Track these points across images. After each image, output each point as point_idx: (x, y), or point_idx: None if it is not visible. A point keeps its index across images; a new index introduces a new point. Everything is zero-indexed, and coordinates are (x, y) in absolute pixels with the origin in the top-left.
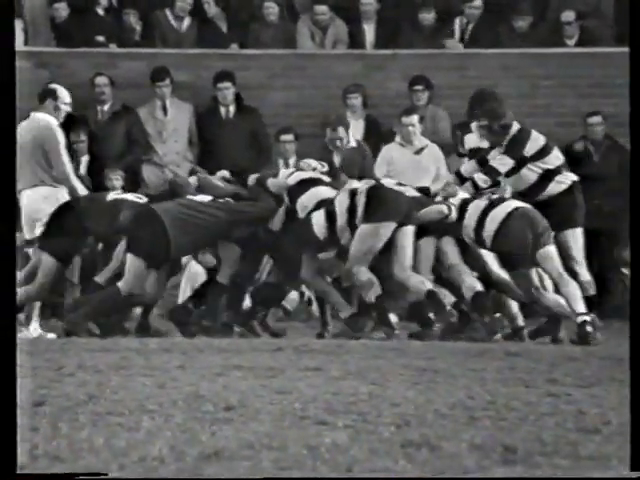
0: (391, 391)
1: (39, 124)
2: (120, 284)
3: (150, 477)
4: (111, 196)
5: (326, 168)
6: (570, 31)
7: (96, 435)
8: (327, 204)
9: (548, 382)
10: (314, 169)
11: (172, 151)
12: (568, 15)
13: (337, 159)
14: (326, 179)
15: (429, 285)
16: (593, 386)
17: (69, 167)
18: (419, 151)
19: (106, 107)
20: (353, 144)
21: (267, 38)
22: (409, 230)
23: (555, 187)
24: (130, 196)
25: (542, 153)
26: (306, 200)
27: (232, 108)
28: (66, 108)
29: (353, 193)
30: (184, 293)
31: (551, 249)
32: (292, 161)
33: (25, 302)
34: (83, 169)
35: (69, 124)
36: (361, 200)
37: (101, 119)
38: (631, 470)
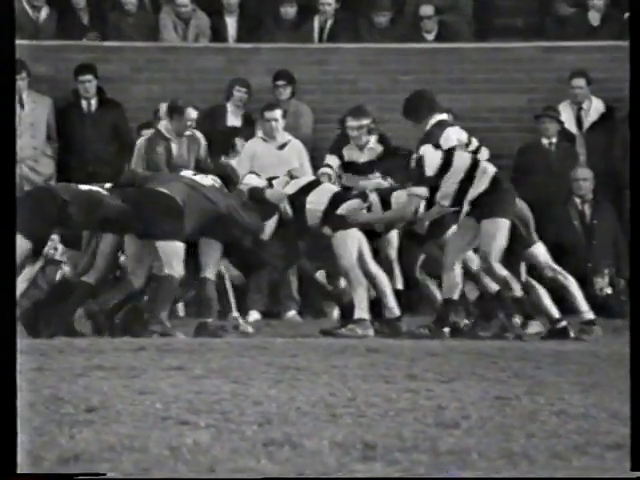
0: (254, 389)
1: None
2: (168, 271)
3: (150, 477)
4: (84, 187)
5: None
6: (428, 26)
7: None
8: (344, 196)
9: (408, 378)
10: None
11: (29, 146)
12: (426, 10)
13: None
14: (322, 179)
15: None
16: (453, 381)
17: None
18: (282, 146)
19: None
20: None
21: (129, 30)
22: None
23: None
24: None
25: None
26: (318, 197)
27: (94, 102)
28: None
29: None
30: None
31: None
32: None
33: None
34: None
35: None
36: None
37: None
38: (631, 470)
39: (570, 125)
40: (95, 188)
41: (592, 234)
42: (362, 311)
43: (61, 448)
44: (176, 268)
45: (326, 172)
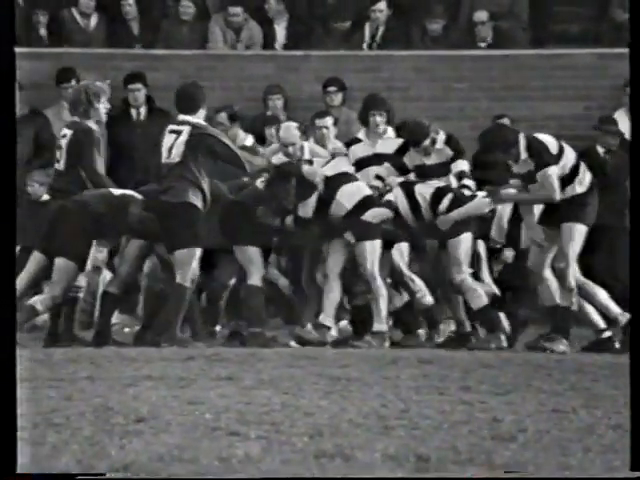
0: (304, 400)
1: None
2: (180, 281)
3: (151, 477)
4: (117, 191)
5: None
6: (483, 32)
7: None
8: (376, 200)
9: (462, 389)
10: (345, 154)
11: None
12: (480, 16)
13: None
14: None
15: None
16: (509, 393)
17: None
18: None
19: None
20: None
21: (180, 38)
22: None
23: None
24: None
25: None
26: (349, 193)
27: (143, 110)
28: None
29: None
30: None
31: None
32: None
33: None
34: None
35: None
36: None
37: None
38: (631, 470)
39: (627, 133)
40: (129, 192)
41: None
42: (381, 324)
43: (111, 458)
44: (187, 278)
45: (375, 185)
